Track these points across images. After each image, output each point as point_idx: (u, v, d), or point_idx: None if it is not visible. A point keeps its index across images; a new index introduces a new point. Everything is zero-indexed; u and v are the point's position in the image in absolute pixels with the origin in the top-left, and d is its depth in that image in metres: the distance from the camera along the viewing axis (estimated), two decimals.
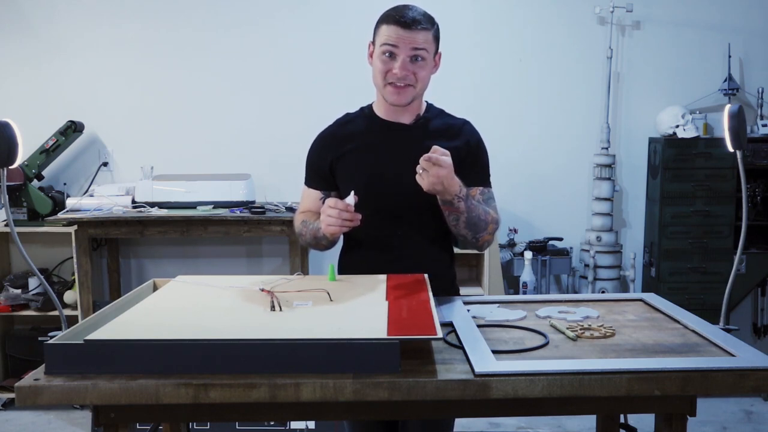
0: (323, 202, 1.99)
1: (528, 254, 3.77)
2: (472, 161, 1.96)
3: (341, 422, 3.08)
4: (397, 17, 1.84)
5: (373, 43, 1.92)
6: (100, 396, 1.30)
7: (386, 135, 1.96)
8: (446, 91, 3.79)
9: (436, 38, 1.90)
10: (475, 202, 1.89)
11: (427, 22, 1.86)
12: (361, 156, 1.96)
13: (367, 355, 1.32)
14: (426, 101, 2.03)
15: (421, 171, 1.73)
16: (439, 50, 1.94)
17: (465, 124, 2.02)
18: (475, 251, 3.73)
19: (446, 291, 1.95)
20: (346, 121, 2.04)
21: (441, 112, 2.04)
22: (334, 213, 1.76)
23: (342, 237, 2.01)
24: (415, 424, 1.95)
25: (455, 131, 1.98)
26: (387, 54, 1.85)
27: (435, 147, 1.74)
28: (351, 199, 1.78)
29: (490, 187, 2.02)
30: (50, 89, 3.95)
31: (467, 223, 1.86)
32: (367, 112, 2.03)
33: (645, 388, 1.33)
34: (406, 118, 1.97)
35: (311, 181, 2.06)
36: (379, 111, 1.99)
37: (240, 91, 3.98)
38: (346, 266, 2.05)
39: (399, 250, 1.95)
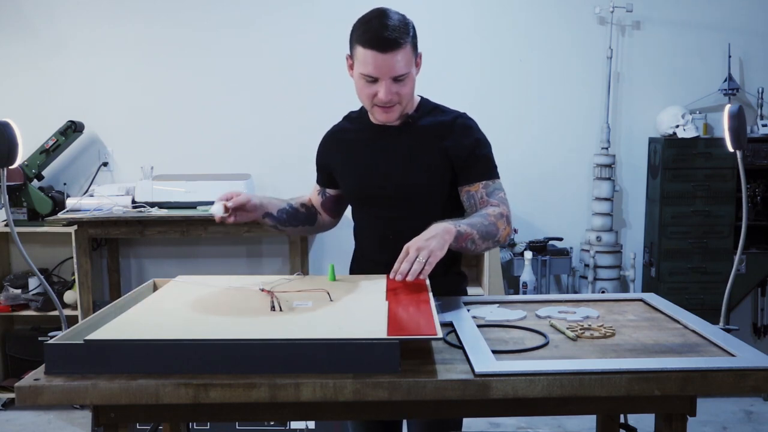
0: (320, 196, 2.11)
1: (528, 254, 3.77)
2: (468, 158, 1.90)
3: (341, 422, 3.08)
4: (373, 41, 1.74)
5: (351, 56, 1.84)
6: (100, 396, 1.30)
7: (376, 137, 1.95)
8: (447, 91, 3.81)
9: (414, 45, 1.81)
10: (467, 223, 1.79)
11: (403, 35, 1.76)
12: (354, 158, 1.98)
13: (367, 355, 1.32)
14: (420, 96, 1.98)
15: (419, 264, 1.66)
16: (419, 51, 1.84)
17: (457, 119, 1.94)
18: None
19: (452, 290, 1.92)
20: (348, 119, 2.05)
21: (434, 108, 1.97)
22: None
23: (353, 238, 2.08)
24: (421, 424, 1.93)
25: (446, 129, 1.91)
26: (369, 79, 1.80)
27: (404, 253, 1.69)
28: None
29: (497, 178, 1.92)
30: (50, 89, 3.95)
31: (482, 237, 1.79)
32: (364, 112, 2.01)
33: (645, 388, 1.33)
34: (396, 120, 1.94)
35: (317, 174, 2.12)
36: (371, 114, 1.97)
37: (240, 91, 3.98)
38: (354, 267, 2.09)
39: (395, 251, 1.88)
